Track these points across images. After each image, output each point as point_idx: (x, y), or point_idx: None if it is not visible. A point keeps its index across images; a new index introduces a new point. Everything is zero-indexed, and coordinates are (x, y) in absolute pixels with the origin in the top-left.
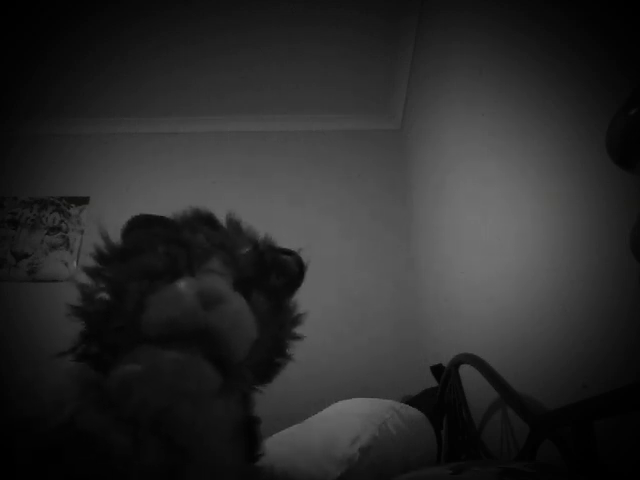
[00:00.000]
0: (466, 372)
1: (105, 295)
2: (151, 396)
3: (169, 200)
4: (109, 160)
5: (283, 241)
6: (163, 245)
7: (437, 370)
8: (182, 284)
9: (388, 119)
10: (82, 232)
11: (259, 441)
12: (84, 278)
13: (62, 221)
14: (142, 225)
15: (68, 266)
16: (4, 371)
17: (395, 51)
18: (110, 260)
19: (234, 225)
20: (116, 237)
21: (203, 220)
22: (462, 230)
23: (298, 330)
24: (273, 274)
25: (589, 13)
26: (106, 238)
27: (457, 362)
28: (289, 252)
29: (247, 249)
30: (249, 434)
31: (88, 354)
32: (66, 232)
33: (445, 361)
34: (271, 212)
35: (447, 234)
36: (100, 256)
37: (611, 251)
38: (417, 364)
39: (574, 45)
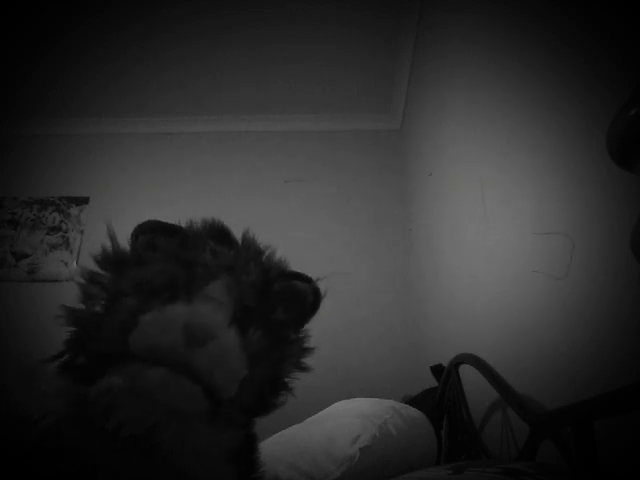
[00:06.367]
0: (466, 372)
1: (99, 303)
2: (135, 413)
3: (169, 200)
4: (109, 160)
5: (282, 240)
6: (163, 261)
7: (437, 370)
8: (172, 312)
9: (388, 119)
10: (82, 232)
11: (257, 462)
12: (83, 279)
13: (62, 221)
14: (149, 232)
15: (68, 266)
16: (4, 371)
17: (395, 51)
18: (110, 267)
19: (248, 244)
20: (117, 239)
21: (216, 234)
22: (462, 230)
23: (303, 363)
24: (280, 306)
25: (589, 13)
26: (113, 239)
27: (457, 362)
28: (306, 279)
29: (256, 274)
30: (246, 455)
31: (73, 364)
32: (66, 232)
33: (445, 361)
34: (269, 211)
35: (447, 234)
36: (102, 260)
37: (611, 251)
38: (417, 364)
39: (574, 45)
